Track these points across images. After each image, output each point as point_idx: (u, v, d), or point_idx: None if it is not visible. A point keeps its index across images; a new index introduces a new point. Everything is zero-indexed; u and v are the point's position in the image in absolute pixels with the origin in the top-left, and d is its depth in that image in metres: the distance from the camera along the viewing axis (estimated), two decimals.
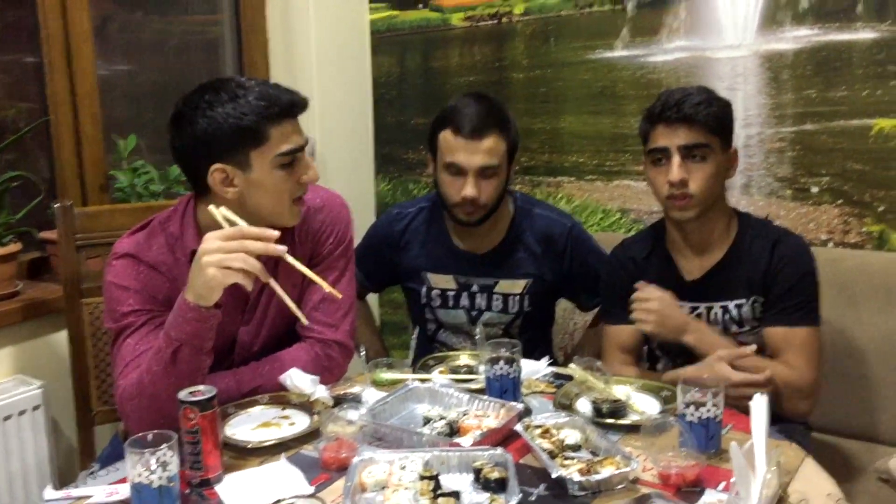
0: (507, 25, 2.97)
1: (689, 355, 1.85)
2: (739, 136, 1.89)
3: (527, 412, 1.59)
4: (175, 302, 1.53)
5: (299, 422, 1.58)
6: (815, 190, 2.45)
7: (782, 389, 1.77)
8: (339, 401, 1.65)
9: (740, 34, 2.51)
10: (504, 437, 1.50)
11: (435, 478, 1.29)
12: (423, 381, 1.75)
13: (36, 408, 2.15)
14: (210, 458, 1.36)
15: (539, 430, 1.46)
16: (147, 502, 1.23)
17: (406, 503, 1.24)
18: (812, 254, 1.87)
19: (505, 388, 1.65)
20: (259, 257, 1.45)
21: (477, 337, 1.90)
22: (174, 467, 1.25)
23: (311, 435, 1.51)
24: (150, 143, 2.68)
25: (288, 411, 1.62)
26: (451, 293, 2.21)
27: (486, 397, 1.63)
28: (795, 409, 1.81)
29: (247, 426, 1.56)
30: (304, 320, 1.55)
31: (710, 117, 1.79)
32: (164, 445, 1.23)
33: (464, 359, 1.93)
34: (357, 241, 1.93)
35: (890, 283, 2.19)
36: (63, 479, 2.22)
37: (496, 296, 2.19)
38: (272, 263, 1.56)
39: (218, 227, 1.50)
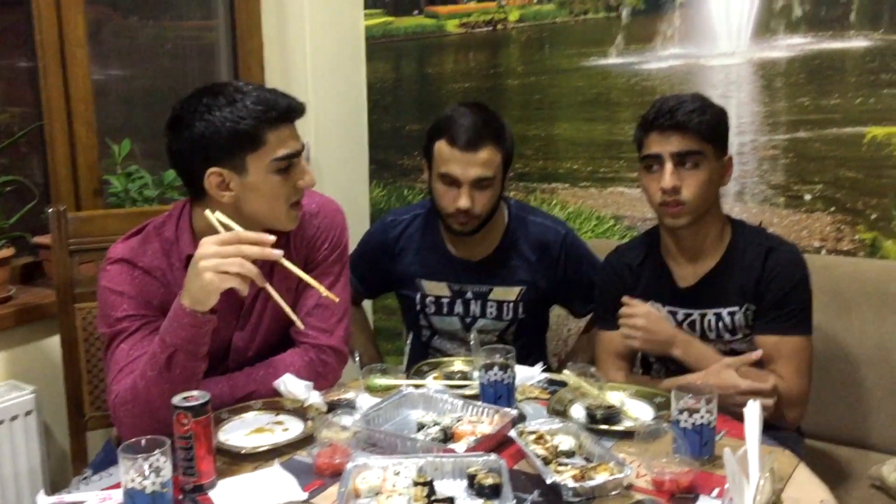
0: (501, 32, 2.98)
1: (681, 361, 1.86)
2: (733, 143, 1.90)
3: (521, 418, 1.59)
4: (169, 307, 1.52)
5: (293, 427, 1.57)
6: (808, 197, 2.46)
7: None
8: (332, 406, 1.65)
9: (734, 42, 2.52)
10: (498, 443, 1.49)
11: (429, 484, 1.29)
12: (417, 386, 1.75)
13: (28, 413, 2.14)
14: (203, 464, 1.36)
15: (533, 436, 1.46)
16: None
17: None
18: (805, 263, 1.87)
19: (499, 394, 1.65)
20: (255, 262, 1.45)
21: (471, 343, 1.90)
22: (167, 473, 1.25)
23: (305, 441, 1.51)
24: (145, 148, 2.68)
25: (282, 417, 1.62)
26: (446, 300, 2.21)
27: (480, 403, 1.63)
28: (784, 418, 1.82)
29: (240, 432, 1.56)
30: (300, 325, 1.56)
31: (704, 125, 1.79)
32: (157, 451, 1.23)
33: (458, 365, 1.93)
34: (351, 247, 1.93)
35: (882, 291, 2.20)
36: (55, 484, 2.21)
37: (490, 303, 2.19)
38: (267, 268, 1.56)
39: (214, 232, 1.50)
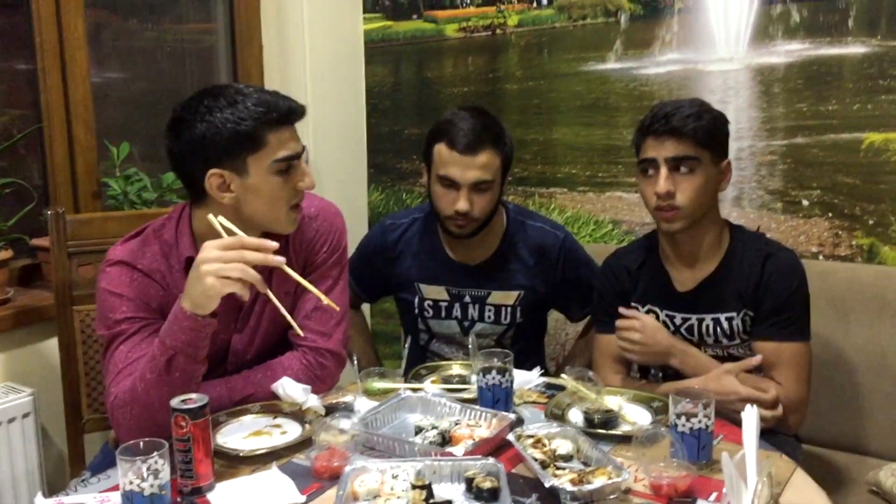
0: (500, 37, 2.98)
1: None
2: (731, 148, 1.90)
3: (519, 422, 1.59)
4: (169, 309, 1.53)
5: (291, 430, 1.57)
6: (805, 203, 2.46)
7: None
8: (330, 410, 1.65)
9: (732, 47, 2.53)
10: (496, 446, 1.50)
11: (427, 487, 1.29)
12: (415, 390, 1.75)
13: (26, 415, 2.14)
14: (201, 467, 1.36)
15: (531, 440, 1.46)
16: None
17: None
18: (803, 269, 1.87)
19: (497, 397, 1.65)
20: (256, 267, 1.45)
21: (469, 347, 1.90)
22: (165, 475, 1.25)
23: (303, 444, 1.51)
24: (143, 150, 2.68)
25: (279, 420, 1.62)
26: (444, 304, 2.21)
27: (478, 407, 1.64)
28: (784, 424, 1.81)
29: (238, 435, 1.56)
30: (299, 331, 1.56)
31: (699, 130, 1.79)
32: (155, 453, 1.23)
33: (456, 368, 1.93)
34: (350, 250, 1.93)
35: (880, 297, 2.20)
36: (53, 487, 2.21)
37: (488, 307, 2.19)
38: (266, 272, 1.56)
39: (214, 235, 1.50)
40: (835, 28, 2.36)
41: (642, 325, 1.88)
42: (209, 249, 1.45)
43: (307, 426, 1.56)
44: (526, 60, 2.94)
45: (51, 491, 1.78)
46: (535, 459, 1.39)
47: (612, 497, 1.32)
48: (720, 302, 1.87)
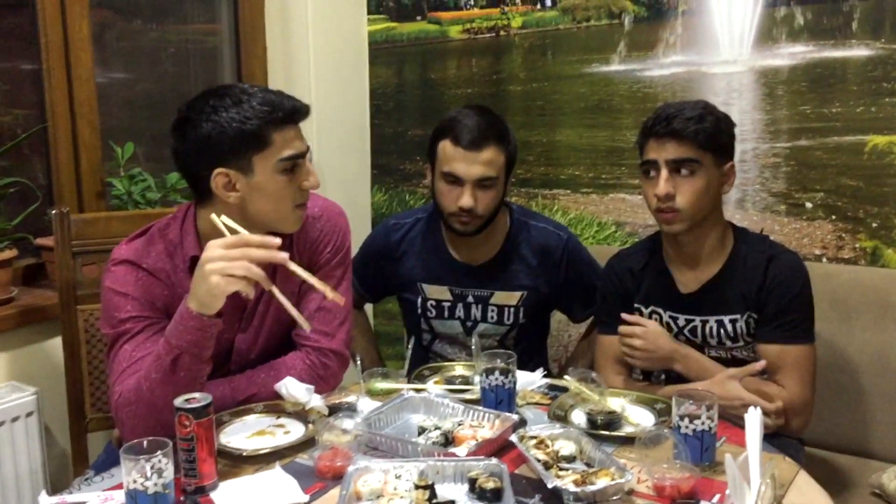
0: (504, 38, 2.99)
1: None
2: (734, 150, 1.90)
3: (521, 423, 1.59)
4: (173, 309, 1.53)
5: (294, 430, 1.57)
6: (809, 205, 2.46)
7: None
8: (334, 410, 1.65)
9: (736, 50, 2.53)
10: (499, 447, 1.50)
11: (430, 487, 1.29)
12: (418, 391, 1.75)
13: (29, 414, 2.14)
14: (205, 466, 1.36)
15: (534, 441, 1.47)
16: None
17: None
18: (806, 271, 1.87)
19: (500, 398, 1.65)
20: (260, 265, 1.46)
21: (472, 347, 1.90)
22: (169, 474, 1.25)
23: (306, 443, 1.51)
24: (148, 150, 2.69)
25: (283, 420, 1.62)
26: (447, 304, 2.22)
27: (481, 408, 1.64)
28: (788, 427, 1.81)
29: (242, 434, 1.56)
30: (305, 326, 1.54)
31: (701, 133, 1.78)
32: (159, 452, 1.24)
33: (459, 369, 1.94)
34: (353, 250, 1.93)
35: (883, 299, 2.20)
36: (56, 485, 2.21)
37: (491, 307, 2.19)
38: (270, 271, 1.56)
39: (219, 234, 1.50)
40: (839, 31, 2.36)
41: (644, 331, 1.88)
42: (213, 248, 1.46)
43: (310, 426, 1.56)
44: (529, 62, 2.95)
45: (54, 490, 1.78)
46: (539, 460, 1.39)
47: (615, 498, 1.32)
48: (724, 304, 1.87)
